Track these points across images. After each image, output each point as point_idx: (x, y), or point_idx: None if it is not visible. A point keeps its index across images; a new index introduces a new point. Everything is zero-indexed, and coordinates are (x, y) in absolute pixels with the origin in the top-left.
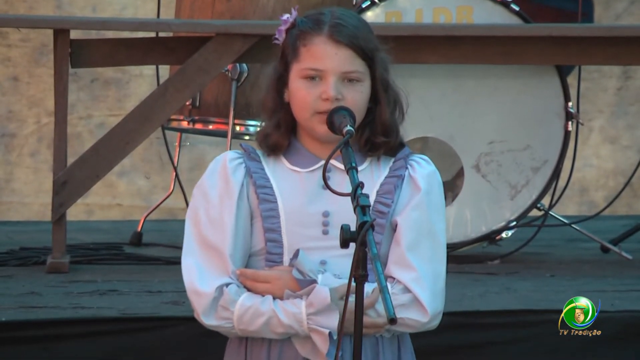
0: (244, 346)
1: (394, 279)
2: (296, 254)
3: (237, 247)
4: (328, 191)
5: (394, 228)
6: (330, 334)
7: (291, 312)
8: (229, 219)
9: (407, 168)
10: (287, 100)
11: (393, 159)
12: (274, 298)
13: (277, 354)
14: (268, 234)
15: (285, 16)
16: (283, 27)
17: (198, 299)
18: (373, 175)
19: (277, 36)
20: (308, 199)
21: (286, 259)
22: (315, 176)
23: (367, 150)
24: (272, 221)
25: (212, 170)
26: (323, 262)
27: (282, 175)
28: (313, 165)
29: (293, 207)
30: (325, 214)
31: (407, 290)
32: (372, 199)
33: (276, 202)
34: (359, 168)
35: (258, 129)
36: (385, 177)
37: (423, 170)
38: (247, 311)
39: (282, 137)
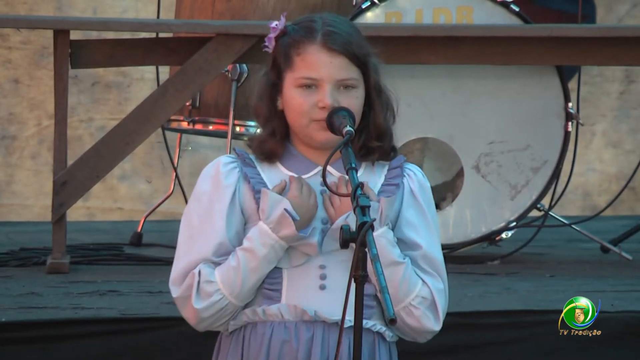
0: (241, 346)
1: None
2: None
3: (226, 250)
4: (325, 197)
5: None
6: (286, 210)
7: (250, 235)
8: (220, 224)
9: (404, 176)
10: (281, 107)
11: (387, 166)
12: None
13: (276, 357)
14: None
15: (274, 23)
16: (272, 35)
17: (179, 296)
18: (370, 182)
19: (267, 44)
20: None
21: (286, 264)
22: (312, 182)
23: (362, 155)
24: None
25: (205, 174)
26: (322, 267)
27: (279, 180)
28: (310, 171)
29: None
30: (324, 221)
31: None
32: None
33: None
34: None
35: (258, 130)
36: (383, 185)
37: (421, 185)
38: (227, 272)
39: (278, 144)
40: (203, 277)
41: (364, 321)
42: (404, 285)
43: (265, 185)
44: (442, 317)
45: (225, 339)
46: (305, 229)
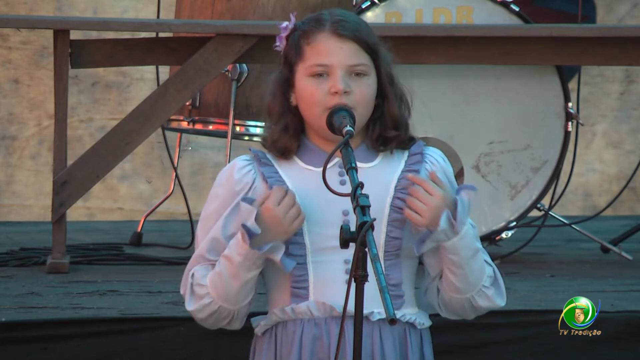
0: (274, 345)
1: None
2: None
3: (221, 247)
4: (346, 189)
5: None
6: (243, 226)
7: (230, 242)
8: (218, 220)
9: (425, 162)
10: (294, 103)
11: (407, 153)
12: None
13: (309, 354)
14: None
15: (284, 24)
16: (283, 34)
17: (183, 295)
18: (389, 170)
19: (277, 43)
20: (326, 198)
21: (309, 259)
22: (331, 174)
23: (379, 145)
24: None
25: (220, 179)
26: (347, 262)
27: (297, 175)
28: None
29: (312, 207)
30: (345, 213)
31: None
32: (390, 194)
33: None
34: (372, 164)
35: (258, 129)
36: (403, 171)
37: (443, 170)
38: (213, 277)
39: (291, 140)
40: (195, 280)
41: None
42: (482, 269)
43: (284, 183)
44: (504, 291)
45: (259, 340)
46: (271, 242)
